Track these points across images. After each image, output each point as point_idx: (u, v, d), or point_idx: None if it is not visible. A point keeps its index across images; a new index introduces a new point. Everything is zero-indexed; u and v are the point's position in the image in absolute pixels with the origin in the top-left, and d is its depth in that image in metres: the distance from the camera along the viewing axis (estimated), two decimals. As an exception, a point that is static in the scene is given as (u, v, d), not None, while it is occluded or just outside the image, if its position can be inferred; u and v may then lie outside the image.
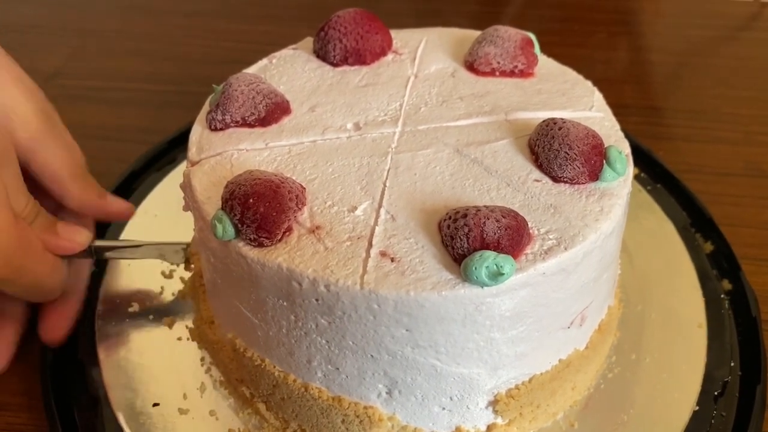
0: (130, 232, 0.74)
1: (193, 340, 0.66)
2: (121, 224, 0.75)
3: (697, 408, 0.60)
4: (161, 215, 0.77)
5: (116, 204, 0.71)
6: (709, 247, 0.73)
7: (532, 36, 0.66)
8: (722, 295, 0.69)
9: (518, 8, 1.24)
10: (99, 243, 0.65)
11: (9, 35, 1.14)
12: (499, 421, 0.56)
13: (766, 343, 0.65)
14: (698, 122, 0.96)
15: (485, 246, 0.46)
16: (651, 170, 0.82)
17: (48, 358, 0.64)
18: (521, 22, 1.20)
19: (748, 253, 0.74)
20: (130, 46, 1.12)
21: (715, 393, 0.61)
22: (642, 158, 0.82)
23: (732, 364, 0.63)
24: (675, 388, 0.62)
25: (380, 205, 0.52)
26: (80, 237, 0.63)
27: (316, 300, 0.48)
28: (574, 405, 0.61)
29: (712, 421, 0.59)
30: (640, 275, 0.71)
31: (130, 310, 0.68)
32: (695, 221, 0.76)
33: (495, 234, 0.46)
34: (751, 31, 1.17)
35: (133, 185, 0.81)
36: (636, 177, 0.80)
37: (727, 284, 0.70)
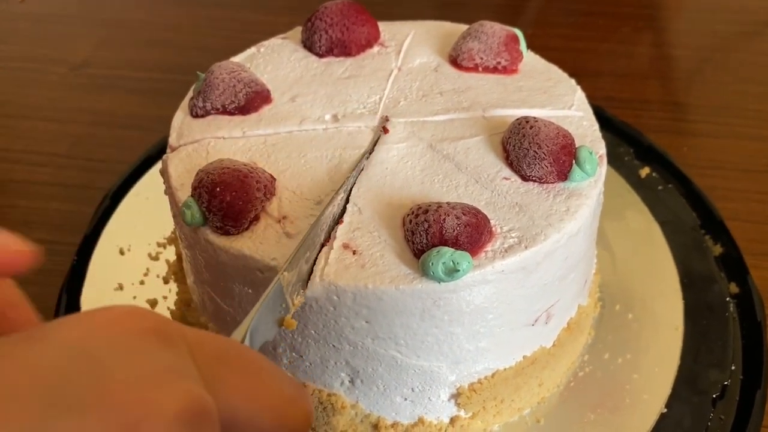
0: (119, 215, 0.76)
1: (173, 322, 0.67)
2: (111, 207, 0.76)
3: (666, 410, 0.60)
4: (152, 198, 0.78)
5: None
6: (718, 249, 0.73)
7: (518, 32, 0.65)
8: (728, 298, 0.68)
9: (542, 2, 1.23)
10: None
11: (38, 25, 1.17)
12: (462, 413, 0.57)
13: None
14: (722, 118, 0.95)
15: (444, 242, 0.47)
16: (665, 170, 0.81)
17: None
18: (545, 16, 1.21)
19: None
20: (156, 36, 1.14)
21: (714, 396, 0.61)
22: (656, 157, 0.82)
23: (733, 367, 0.63)
24: (645, 389, 0.62)
25: (349, 198, 0.52)
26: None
27: (278, 289, 0.49)
28: (542, 401, 0.61)
29: (709, 424, 0.59)
30: (622, 276, 0.71)
31: (115, 289, 0.70)
32: (705, 223, 0.75)
33: (454, 231, 0.47)
34: (776, 26, 1.15)
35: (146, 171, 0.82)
36: (647, 177, 0.80)
37: (734, 287, 0.69)
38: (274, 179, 0.53)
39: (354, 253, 0.49)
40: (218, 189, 0.49)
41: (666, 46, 1.12)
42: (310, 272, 0.48)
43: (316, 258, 0.48)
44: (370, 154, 0.56)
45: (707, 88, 1.01)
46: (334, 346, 0.51)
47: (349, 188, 0.53)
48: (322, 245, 0.49)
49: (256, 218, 0.51)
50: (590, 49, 1.01)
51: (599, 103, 0.82)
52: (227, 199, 0.49)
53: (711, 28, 1.13)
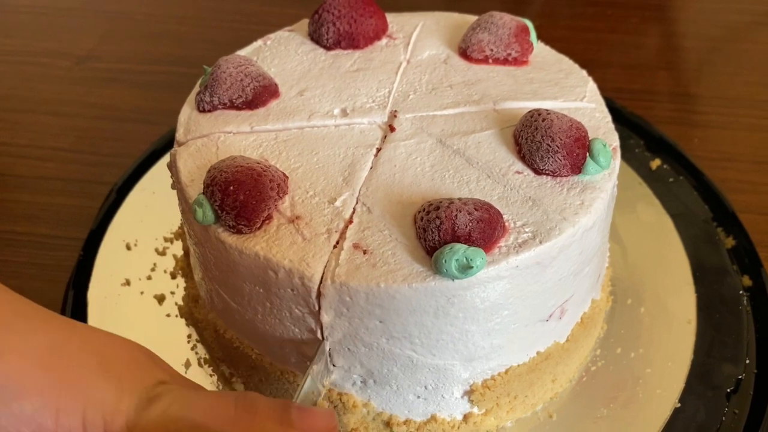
0: (125, 210, 0.75)
1: (181, 317, 0.67)
2: (117, 202, 0.76)
3: (679, 405, 0.60)
4: (159, 192, 0.77)
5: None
6: (730, 242, 0.72)
7: (529, 23, 0.65)
8: (741, 291, 0.67)
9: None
10: None
11: (41, 18, 1.15)
12: (476, 410, 0.56)
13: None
14: (733, 109, 0.94)
15: (456, 239, 0.46)
16: (676, 161, 0.80)
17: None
18: (553, 7, 1.20)
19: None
20: (160, 28, 1.13)
21: (728, 390, 0.60)
22: (667, 149, 0.81)
23: (747, 361, 0.62)
24: (658, 383, 0.61)
25: (358, 198, 0.52)
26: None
27: (292, 290, 0.49)
28: (555, 397, 0.61)
29: (723, 419, 0.59)
30: (633, 269, 0.70)
31: (122, 285, 0.69)
32: (717, 215, 0.74)
33: (466, 227, 0.46)
34: (787, 16, 1.13)
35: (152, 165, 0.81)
36: (658, 168, 0.79)
37: (747, 280, 0.68)
38: (287, 177, 0.52)
39: (365, 252, 0.48)
40: (232, 187, 0.48)
41: (675, 37, 1.10)
42: (322, 276, 0.47)
43: (327, 260, 0.48)
44: (378, 151, 0.55)
45: (717, 79, 1.00)
46: (348, 349, 0.51)
47: (357, 188, 0.52)
48: (333, 247, 0.48)
49: (269, 217, 0.50)
50: (598, 40, 1.00)
51: (608, 95, 0.81)
52: (241, 198, 0.48)
53: (721, 18, 1.12)
